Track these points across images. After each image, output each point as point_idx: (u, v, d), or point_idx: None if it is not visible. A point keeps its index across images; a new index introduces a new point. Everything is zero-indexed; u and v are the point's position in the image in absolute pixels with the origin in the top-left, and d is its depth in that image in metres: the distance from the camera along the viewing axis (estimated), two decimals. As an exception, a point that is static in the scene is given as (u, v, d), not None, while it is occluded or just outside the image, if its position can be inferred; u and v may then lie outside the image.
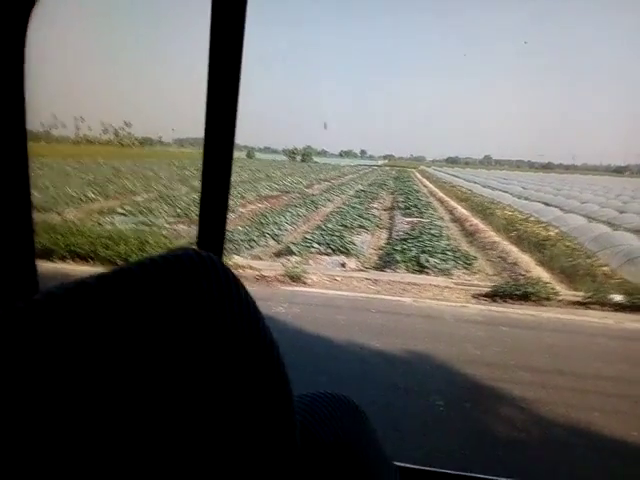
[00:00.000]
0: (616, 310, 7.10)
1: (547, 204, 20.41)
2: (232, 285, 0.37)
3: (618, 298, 7.29)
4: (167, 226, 11.67)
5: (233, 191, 19.97)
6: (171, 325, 0.33)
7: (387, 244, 11.90)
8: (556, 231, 13.20)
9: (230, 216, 14.09)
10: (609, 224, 15.01)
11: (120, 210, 13.80)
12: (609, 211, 19.35)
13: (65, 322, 0.30)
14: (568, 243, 11.51)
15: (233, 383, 0.35)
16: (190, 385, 0.33)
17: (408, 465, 1.45)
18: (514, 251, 11.26)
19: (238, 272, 7.58)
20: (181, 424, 0.33)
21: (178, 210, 13.96)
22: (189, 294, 0.34)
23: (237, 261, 8.23)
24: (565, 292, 7.84)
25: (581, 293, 7.61)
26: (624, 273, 9.06)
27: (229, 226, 12.09)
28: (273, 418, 0.39)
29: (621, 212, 19.34)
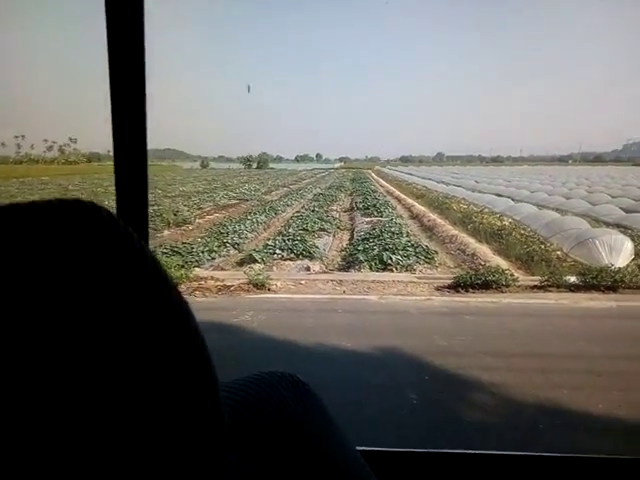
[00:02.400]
0: (571, 291, 7.40)
1: (499, 195, 21.14)
2: (122, 236, 0.33)
3: (572, 279, 7.61)
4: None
5: (189, 202, 19.56)
6: (40, 274, 0.28)
7: (349, 245, 11.96)
8: (510, 220, 13.68)
9: (187, 228, 13.77)
10: (558, 210, 15.71)
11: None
12: (557, 198, 20.27)
13: None
14: (522, 231, 11.95)
15: (137, 343, 0.31)
16: (87, 343, 0.29)
17: (373, 448, 1.43)
18: (472, 242, 11.56)
19: (200, 284, 7.40)
20: (83, 392, 0.29)
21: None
22: (64, 241, 0.30)
23: (198, 273, 8.02)
24: (523, 278, 8.11)
25: (538, 277, 7.89)
26: (575, 255, 9.48)
27: (187, 239, 11.80)
28: (190, 388, 0.35)
29: (568, 198, 20.31)
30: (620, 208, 16.21)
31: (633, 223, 13.19)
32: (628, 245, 9.28)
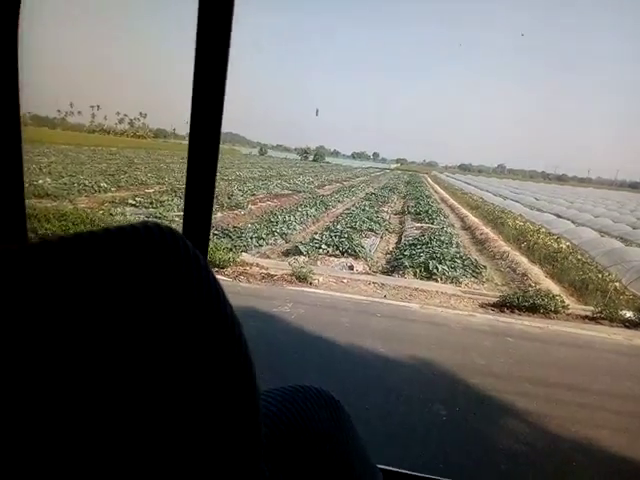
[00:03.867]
0: (626, 327, 6.99)
1: (559, 216, 20.21)
2: (192, 261, 0.36)
3: (629, 314, 7.18)
4: (177, 219, 11.70)
5: (244, 187, 20.01)
6: (121, 297, 0.32)
7: (396, 248, 11.85)
8: (567, 244, 13.05)
9: (239, 212, 14.10)
10: (622, 239, 14.83)
11: (131, 201, 13.87)
12: (622, 226, 19.12)
13: (21, 285, 0.30)
14: (579, 256, 11.38)
15: (188, 360, 0.34)
16: (144, 359, 0.32)
17: (392, 469, 1.43)
18: (524, 262, 11.13)
19: (245, 269, 7.58)
20: (134, 405, 0.32)
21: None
22: (143, 266, 0.33)
23: (245, 259, 8.21)
24: (574, 306, 7.74)
25: (590, 307, 7.50)
26: (636, 289, 8.92)
27: (238, 223, 12.10)
28: (234, 398, 0.37)
29: (634, 228, 19.10)
30: (693, 245, 15.08)
31: None
32: (697, 286, 8.63)
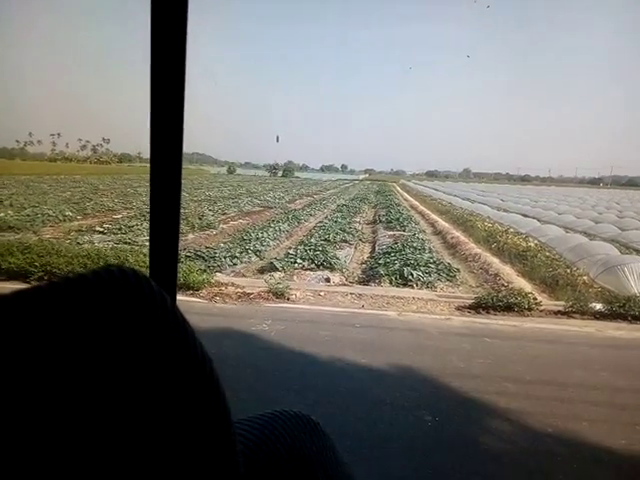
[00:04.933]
0: (597, 318, 7.20)
1: (525, 215, 20.79)
2: (158, 304, 0.36)
3: (598, 306, 7.40)
4: (147, 244, 11.47)
5: (214, 207, 19.86)
6: (89, 343, 0.32)
7: (370, 258, 11.93)
8: (535, 242, 13.42)
9: (211, 233, 13.96)
10: (586, 234, 15.35)
11: (99, 229, 13.55)
12: (585, 221, 19.82)
13: None
14: (547, 254, 11.71)
15: (161, 401, 0.34)
16: (114, 403, 0.32)
17: None
18: (495, 262, 11.39)
19: (220, 290, 7.48)
20: (104, 448, 0.31)
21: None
22: (107, 314, 0.33)
23: (219, 279, 8.11)
24: (546, 302, 7.93)
25: (562, 302, 7.71)
26: (603, 282, 9.23)
27: (211, 243, 11.97)
28: (207, 436, 0.37)
29: (597, 222, 19.83)
30: (652, 235, 15.75)
31: (665, 251, 12.78)
32: (659, 274, 8.99)
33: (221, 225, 15.65)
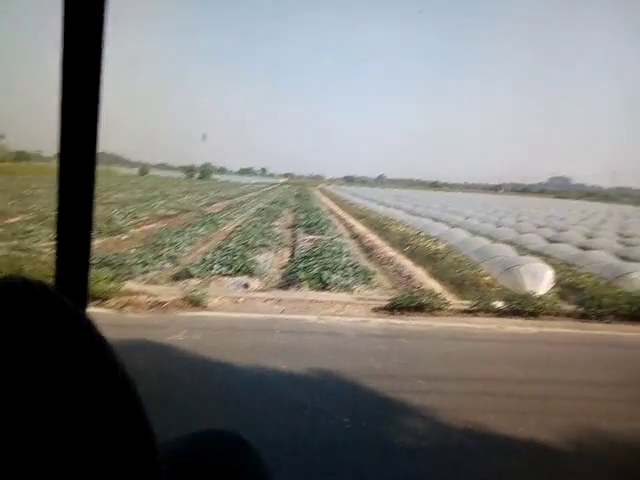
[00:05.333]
0: (498, 316, 7.80)
1: (436, 220, 22.06)
2: (69, 317, 0.34)
3: (499, 305, 8.02)
4: (47, 250, 10.51)
5: (124, 210, 18.74)
6: None
7: (290, 262, 11.93)
8: (444, 245, 14.27)
9: (120, 238, 13.15)
10: (489, 237, 16.62)
11: (-11, 234, 12.18)
12: (488, 225, 21.47)
13: None
14: (455, 256, 12.49)
15: (75, 423, 0.31)
16: (20, 427, 0.29)
17: None
18: (409, 265, 11.93)
19: (131, 299, 7.04)
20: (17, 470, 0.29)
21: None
22: (13, 326, 0.31)
23: (130, 287, 7.63)
24: (455, 301, 8.45)
25: (468, 302, 8.25)
26: (503, 281, 10.03)
27: (120, 249, 11.25)
28: (129, 458, 0.35)
29: (498, 226, 21.57)
30: (544, 238, 17.44)
31: (554, 252, 14.21)
32: (549, 273, 9.96)
33: (132, 229, 14.80)
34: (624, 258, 13.55)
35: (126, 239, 13.32)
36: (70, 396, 0.31)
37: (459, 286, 9.96)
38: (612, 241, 17.86)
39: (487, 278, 10.33)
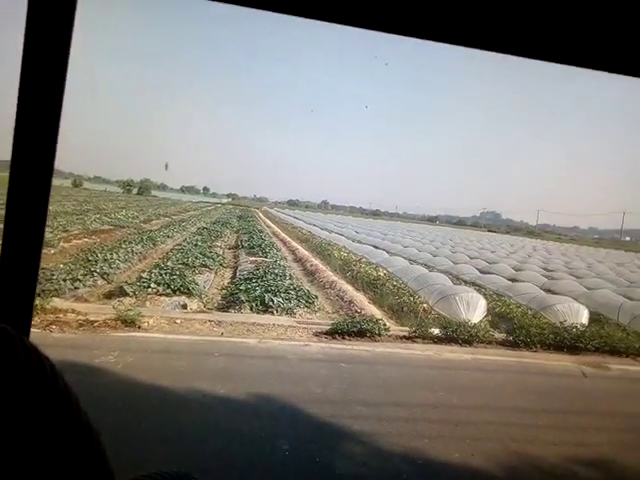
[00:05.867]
0: (435, 342, 8.03)
1: (376, 247, 22.58)
2: (33, 361, 0.34)
3: (436, 331, 8.28)
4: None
5: (54, 223, 17.62)
6: None
7: (231, 283, 11.69)
8: (384, 272, 14.60)
9: (49, 251, 12.33)
10: (426, 266, 17.22)
11: None
12: (425, 254, 22.26)
13: None
14: (395, 282, 12.81)
15: (39, 474, 0.30)
16: None
17: None
18: (350, 290, 12.07)
19: (58, 317, 6.57)
20: None
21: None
22: None
23: (57, 304, 7.12)
24: (394, 327, 8.62)
25: (407, 328, 8.45)
26: (439, 309, 10.38)
27: (48, 264, 10.52)
28: None
29: (435, 255, 22.42)
30: (476, 268, 18.33)
31: (486, 283, 14.96)
32: (482, 303, 10.45)
33: (61, 243, 13.91)
34: (548, 290, 14.52)
35: (54, 253, 12.49)
36: (34, 442, 0.30)
37: (398, 312, 10.20)
38: (537, 274, 19.10)
39: (424, 305, 10.66)
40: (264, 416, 4.62)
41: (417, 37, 0.81)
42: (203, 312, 8.52)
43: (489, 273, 17.40)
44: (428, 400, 5.51)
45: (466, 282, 14.99)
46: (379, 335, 7.87)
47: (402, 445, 4.35)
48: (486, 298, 11.14)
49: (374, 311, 9.95)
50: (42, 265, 8.49)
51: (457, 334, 8.17)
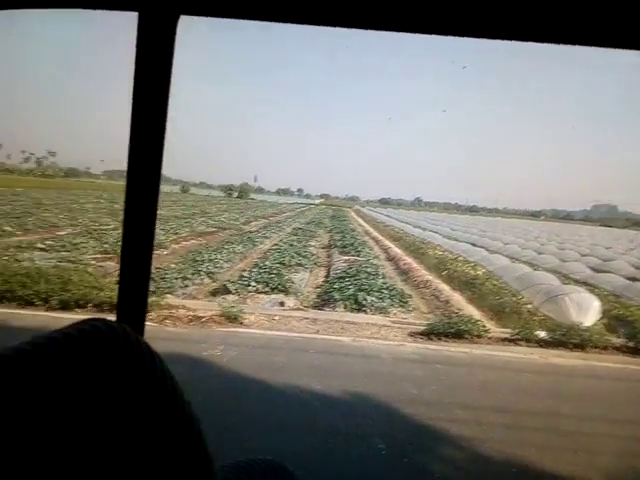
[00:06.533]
0: (540, 346, 7.49)
1: (474, 245, 21.60)
2: (147, 359, 0.38)
3: (542, 334, 7.72)
4: (94, 263, 10.95)
5: (166, 226, 19.33)
6: (79, 401, 0.32)
7: (325, 282, 11.93)
8: (483, 270, 13.93)
9: (162, 252, 13.54)
10: (530, 264, 16.10)
11: (40, 245, 12.81)
12: (529, 252, 20.81)
13: None
14: (495, 282, 12.16)
15: (148, 459, 0.35)
16: (103, 468, 0.33)
17: None
18: (446, 289, 11.69)
19: (171, 313, 7.20)
20: None
21: (106, 246, 13.20)
22: (97, 368, 0.34)
23: (170, 301, 7.82)
24: (494, 329, 8.19)
25: (509, 330, 7.98)
26: (546, 310, 9.66)
27: (161, 264, 11.59)
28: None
29: (539, 253, 20.88)
30: (588, 267, 16.75)
31: (600, 282, 13.61)
32: (595, 304, 9.53)
33: (172, 245, 15.22)
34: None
35: (167, 254, 13.70)
36: (146, 429, 0.35)
37: (499, 313, 9.67)
38: (664, 272, 16.94)
39: (529, 306, 9.99)
40: (359, 414, 4.66)
41: (417, 32, 0.81)
42: (299, 310, 8.81)
43: (603, 271, 15.80)
44: (533, 407, 5.17)
45: (576, 281, 13.76)
46: (478, 337, 7.54)
47: (505, 452, 4.13)
48: (600, 299, 10.13)
49: (472, 311, 9.55)
50: (156, 265, 9.36)
51: (567, 338, 7.55)
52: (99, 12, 0.91)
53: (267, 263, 12.87)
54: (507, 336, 7.73)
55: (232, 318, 7.21)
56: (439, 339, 7.41)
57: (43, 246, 12.71)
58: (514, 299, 10.42)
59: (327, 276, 12.95)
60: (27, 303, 7.01)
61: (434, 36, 0.81)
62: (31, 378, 0.31)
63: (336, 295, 9.79)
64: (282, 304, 9.16)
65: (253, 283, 10.31)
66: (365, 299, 9.48)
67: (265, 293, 9.91)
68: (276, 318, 7.77)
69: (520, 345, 7.52)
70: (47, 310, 6.97)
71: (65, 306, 7.05)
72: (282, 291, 10.08)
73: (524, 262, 16.49)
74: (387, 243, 22.49)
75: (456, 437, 4.35)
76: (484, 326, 7.83)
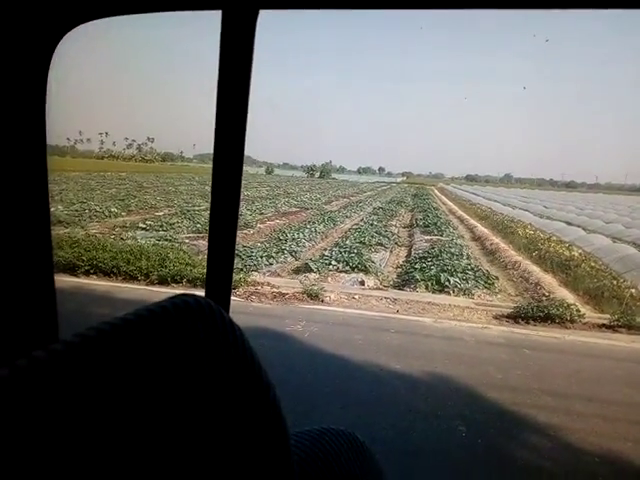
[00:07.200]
0: (645, 334, 6.85)
1: (569, 223, 20.03)
2: (229, 332, 0.41)
3: (647, 322, 7.04)
4: (187, 241, 11.79)
5: (252, 207, 20.17)
6: (172, 373, 0.36)
7: (406, 262, 11.80)
8: (580, 251, 12.91)
9: (249, 232, 14.18)
10: (636, 245, 14.63)
11: (142, 225, 14.02)
12: (635, 231, 18.86)
13: (81, 374, 0.32)
14: (593, 264, 11.23)
15: (229, 427, 0.39)
16: (189, 430, 0.36)
17: None
18: (536, 271, 11.02)
19: (256, 289, 7.58)
20: (181, 468, 0.35)
21: (198, 225, 14.12)
22: (188, 342, 0.37)
23: (255, 278, 8.23)
24: (590, 314, 7.62)
25: (607, 315, 7.38)
26: (653, 296, 8.76)
27: (248, 242, 12.16)
28: (269, 460, 0.42)
29: (647, 232, 18.82)
30: None
31: None
32: None
33: (258, 225, 15.87)
34: None
35: (253, 233, 14.33)
36: (228, 396, 0.39)
37: (596, 297, 8.95)
38: None
39: (632, 290, 9.12)
40: (440, 395, 4.63)
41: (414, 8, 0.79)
42: (379, 289, 8.83)
43: None
44: (634, 399, 4.78)
45: (693, 265, 12.26)
46: (571, 322, 7.06)
47: (598, 445, 3.89)
48: None
49: (566, 295, 8.93)
50: (244, 244, 9.84)
51: (677, 327, 6.82)
52: (187, 13, 0.99)
53: (347, 242, 12.98)
54: (605, 322, 7.15)
55: (313, 296, 7.43)
56: (527, 323, 7.06)
57: (144, 226, 13.90)
58: (615, 282, 9.55)
59: (408, 256, 12.78)
60: (131, 277, 7.76)
61: (507, 11, 0.79)
62: (133, 347, 0.34)
63: (417, 275, 9.66)
64: (362, 283, 9.23)
65: (334, 262, 10.48)
66: (448, 280, 9.25)
67: (345, 272, 10.04)
68: (356, 297, 7.86)
69: (620, 332, 6.93)
70: (147, 284, 7.68)
71: (162, 281, 7.72)
72: (362, 270, 10.14)
73: (628, 242, 15.00)
74: (473, 222, 21.57)
75: (543, 425, 4.17)
76: (578, 311, 7.31)
